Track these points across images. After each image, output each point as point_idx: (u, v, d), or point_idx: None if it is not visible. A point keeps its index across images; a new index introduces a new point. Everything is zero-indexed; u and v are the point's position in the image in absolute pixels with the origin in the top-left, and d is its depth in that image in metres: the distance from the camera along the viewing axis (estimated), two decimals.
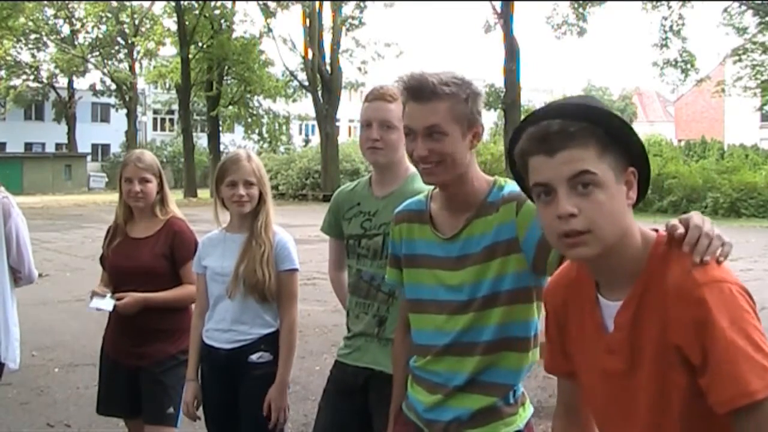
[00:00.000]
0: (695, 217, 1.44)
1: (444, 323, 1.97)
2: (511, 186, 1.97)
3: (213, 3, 37.68)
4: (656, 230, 1.48)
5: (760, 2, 25.29)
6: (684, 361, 1.35)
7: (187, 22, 36.75)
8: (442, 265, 1.99)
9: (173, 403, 3.22)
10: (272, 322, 2.99)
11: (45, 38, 45.10)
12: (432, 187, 2.10)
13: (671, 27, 27.78)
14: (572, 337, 1.57)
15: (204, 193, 38.09)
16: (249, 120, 41.89)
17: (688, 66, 28.22)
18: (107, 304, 3.18)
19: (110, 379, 3.37)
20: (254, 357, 2.93)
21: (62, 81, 50.07)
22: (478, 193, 1.98)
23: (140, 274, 3.22)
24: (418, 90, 1.89)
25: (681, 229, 1.41)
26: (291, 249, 3.01)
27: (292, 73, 37.34)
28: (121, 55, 47.16)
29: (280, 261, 2.97)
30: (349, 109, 38.89)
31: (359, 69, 36.22)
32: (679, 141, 42.35)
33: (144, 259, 3.23)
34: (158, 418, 3.23)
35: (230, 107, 41.30)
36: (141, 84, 48.75)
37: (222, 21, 38.78)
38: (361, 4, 35.03)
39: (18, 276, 3.40)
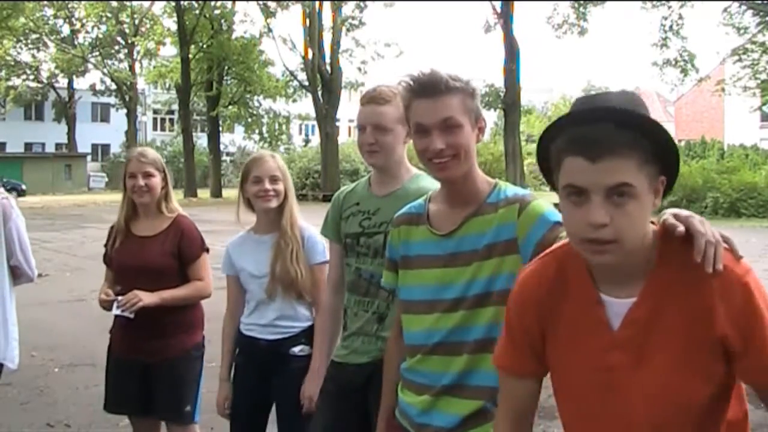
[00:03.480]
0: (695, 222, 1.44)
1: (435, 322, 1.97)
2: (513, 189, 2.01)
3: (213, 3, 37.69)
4: (652, 222, 1.50)
5: (760, 2, 25.28)
6: (724, 351, 1.39)
7: (187, 22, 36.76)
8: (436, 263, 1.99)
9: (189, 400, 3.23)
10: (312, 316, 3.03)
11: (45, 38, 45.11)
12: (432, 188, 2.11)
13: (671, 27, 27.81)
14: (557, 338, 1.56)
15: (204, 193, 38.11)
16: (249, 120, 41.91)
17: (688, 66, 28.23)
18: (122, 311, 3.12)
19: (119, 378, 3.33)
20: (296, 350, 2.96)
21: (62, 81, 50.11)
22: (479, 192, 2.00)
23: (148, 273, 3.19)
24: (431, 85, 1.91)
25: (681, 227, 1.43)
26: (320, 241, 3.05)
27: (292, 73, 37.35)
28: (121, 55, 47.18)
29: (311, 255, 3.02)
30: (349, 109, 38.83)
31: (359, 69, 36.28)
32: (679, 141, 42.34)
33: (152, 258, 3.22)
34: (177, 418, 3.23)
35: (230, 107, 41.32)
36: (141, 84, 48.81)
37: (222, 21, 38.80)
38: (361, 4, 35.07)
39: (18, 273, 3.40)
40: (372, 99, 2.45)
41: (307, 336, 2.98)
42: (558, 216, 1.92)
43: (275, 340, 2.99)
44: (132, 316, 3.10)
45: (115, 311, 3.12)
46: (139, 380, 3.25)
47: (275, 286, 2.97)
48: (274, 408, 3.07)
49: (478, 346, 1.92)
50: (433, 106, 1.90)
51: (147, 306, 3.10)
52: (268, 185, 2.98)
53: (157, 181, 3.29)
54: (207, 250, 3.34)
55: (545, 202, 1.97)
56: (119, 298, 3.12)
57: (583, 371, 1.52)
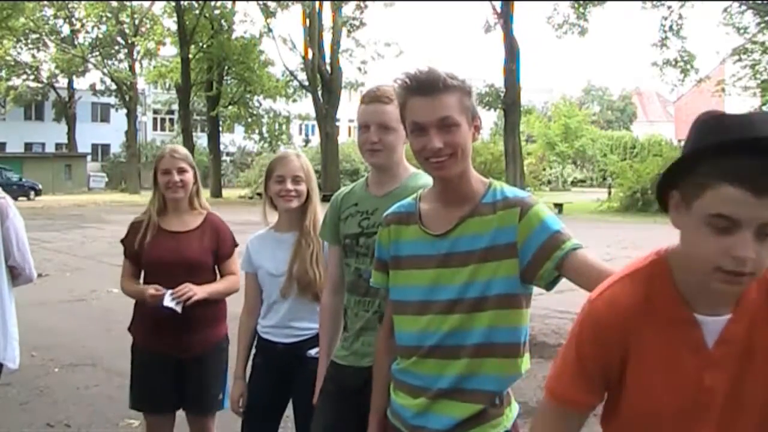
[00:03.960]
0: None
1: (428, 324, 1.94)
2: (510, 190, 1.97)
3: (213, 3, 37.73)
4: None
5: (760, 2, 25.30)
6: None
7: (187, 22, 36.80)
8: (429, 264, 1.96)
9: (219, 389, 3.31)
10: None
11: (45, 38, 45.15)
12: (423, 188, 2.09)
13: (671, 27, 27.84)
14: (642, 360, 1.51)
15: (203, 193, 38.06)
16: (249, 120, 41.96)
17: (688, 66, 28.26)
18: (176, 304, 3.11)
19: (150, 373, 3.31)
20: (313, 352, 2.91)
21: (62, 81, 50.13)
22: (474, 192, 1.97)
23: (187, 268, 3.21)
24: (428, 83, 1.88)
25: None
26: None
27: (292, 73, 37.39)
28: (121, 55, 47.18)
29: None
30: (349, 109, 38.87)
31: (359, 69, 36.32)
32: (679, 141, 42.36)
33: (193, 253, 3.25)
34: (209, 407, 3.30)
35: (230, 107, 41.37)
36: (141, 84, 48.81)
37: (222, 21, 38.83)
38: (361, 4, 35.10)
39: (16, 273, 3.40)
40: (376, 98, 2.42)
41: None
42: (558, 224, 1.89)
43: (292, 344, 2.97)
44: (180, 309, 3.10)
45: (168, 303, 3.09)
46: (173, 376, 3.26)
47: (291, 285, 2.95)
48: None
49: (478, 350, 1.90)
50: (430, 105, 1.88)
51: (199, 299, 3.14)
52: (290, 185, 2.97)
53: (190, 176, 3.31)
54: (236, 245, 3.39)
55: (546, 207, 1.94)
56: (170, 290, 3.11)
57: (672, 391, 1.49)
